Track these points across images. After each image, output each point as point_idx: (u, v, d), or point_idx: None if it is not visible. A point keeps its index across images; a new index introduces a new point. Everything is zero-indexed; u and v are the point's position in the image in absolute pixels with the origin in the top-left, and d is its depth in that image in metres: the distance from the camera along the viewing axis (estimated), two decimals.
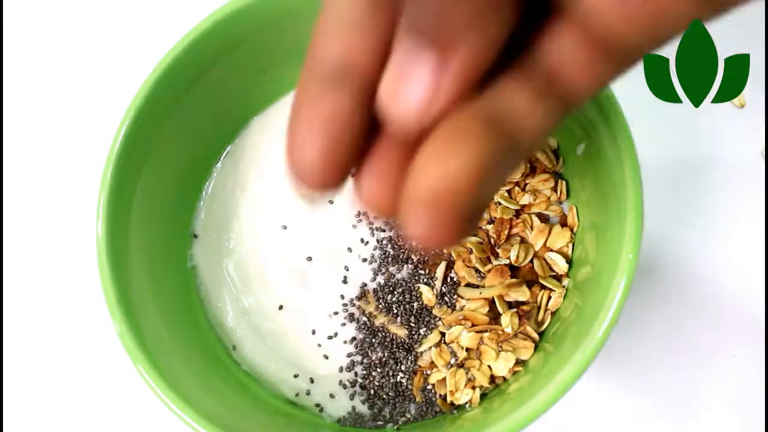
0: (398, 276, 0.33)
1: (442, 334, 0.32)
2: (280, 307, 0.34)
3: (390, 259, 0.33)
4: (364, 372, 0.33)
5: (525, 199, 0.32)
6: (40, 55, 0.44)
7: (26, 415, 0.37)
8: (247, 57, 0.32)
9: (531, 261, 0.32)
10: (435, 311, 0.32)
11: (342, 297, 0.34)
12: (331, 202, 0.35)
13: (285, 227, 0.35)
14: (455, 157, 0.11)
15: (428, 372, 0.32)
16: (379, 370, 0.33)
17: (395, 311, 0.33)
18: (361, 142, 0.13)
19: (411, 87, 0.11)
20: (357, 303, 0.33)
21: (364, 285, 0.34)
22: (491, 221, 0.33)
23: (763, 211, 0.38)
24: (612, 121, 0.27)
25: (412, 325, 0.32)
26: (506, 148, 0.11)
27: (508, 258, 0.32)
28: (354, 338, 0.33)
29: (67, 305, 0.39)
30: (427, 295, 0.32)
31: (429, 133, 0.11)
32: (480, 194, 0.11)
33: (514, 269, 0.32)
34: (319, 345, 0.34)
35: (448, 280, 0.33)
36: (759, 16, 0.40)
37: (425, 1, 0.10)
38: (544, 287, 0.32)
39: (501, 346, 0.30)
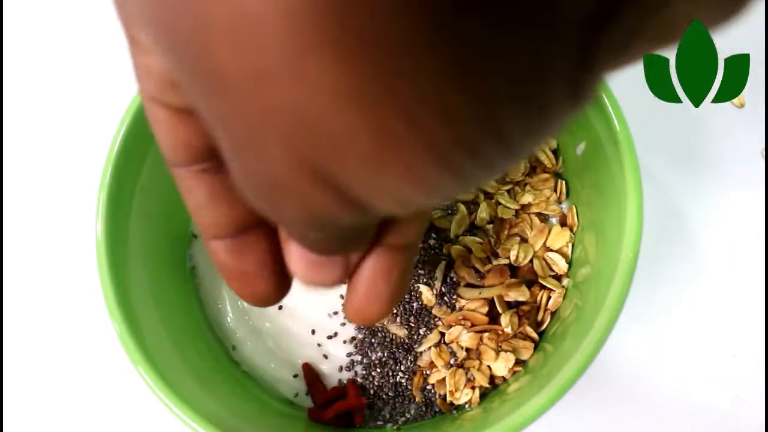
0: None
1: (442, 334, 0.32)
2: (280, 307, 0.34)
3: None
4: (364, 372, 0.33)
5: (525, 199, 0.32)
6: (40, 55, 0.44)
7: (26, 415, 0.37)
8: None
9: (531, 261, 0.32)
10: (435, 311, 0.32)
11: (342, 297, 0.34)
12: None
13: None
14: (379, 302, 0.18)
15: (428, 372, 0.32)
16: (378, 370, 0.33)
17: (395, 311, 0.33)
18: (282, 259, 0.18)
19: (327, 272, 0.17)
20: None
21: None
22: (491, 221, 0.33)
23: (763, 211, 0.38)
24: (612, 121, 0.27)
25: (412, 325, 0.32)
26: (409, 252, 0.18)
27: (508, 258, 0.32)
28: (354, 338, 0.33)
29: (67, 305, 0.39)
30: (427, 295, 0.32)
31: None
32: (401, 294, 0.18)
33: (513, 269, 0.32)
34: (319, 345, 0.34)
35: (448, 280, 0.33)
36: (759, 16, 0.40)
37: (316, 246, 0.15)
38: (543, 287, 0.32)
39: (501, 346, 0.30)
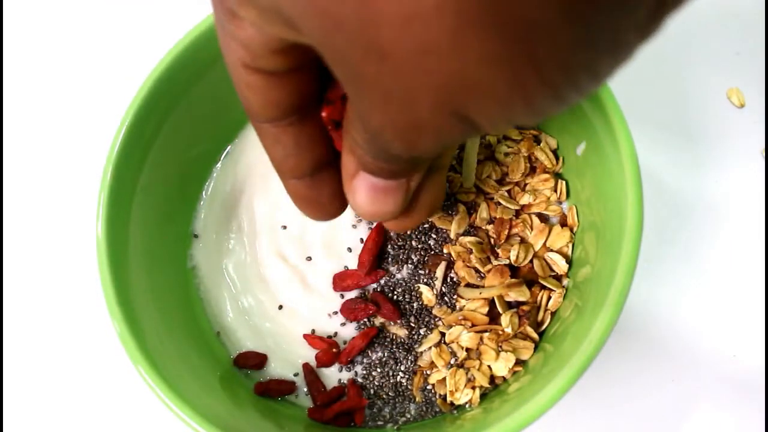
0: (398, 276, 0.33)
1: (442, 334, 0.32)
2: (280, 307, 0.34)
3: (390, 259, 0.33)
4: (364, 372, 0.33)
5: (525, 199, 0.32)
6: (40, 55, 0.44)
7: (26, 415, 0.37)
8: None
9: (531, 261, 0.32)
10: (435, 311, 0.32)
11: (342, 297, 0.34)
12: None
13: (285, 227, 0.35)
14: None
15: (428, 372, 0.32)
16: (379, 370, 0.33)
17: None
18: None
19: (391, 200, 0.20)
20: None
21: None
22: (491, 221, 0.33)
23: (763, 212, 0.38)
24: (612, 121, 0.27)
25: (412, 325, 0.32)
26: (445, 171, 0.23)
27: (508, 258, 0.32)
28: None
29: (67, 305, 0.39)
30: (427, 295, 0.32)
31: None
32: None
33: (514, 269, 0.32)
34: None
35: (448, 280, 0.33)
36: (759, 17, 0.40)
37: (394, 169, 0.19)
38: (544, 287, 0.32)
39: (501, 346, 0.30)
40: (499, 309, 0.31)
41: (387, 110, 0.14)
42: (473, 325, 0.31)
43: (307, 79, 0.19)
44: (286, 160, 0.21)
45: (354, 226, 0.34)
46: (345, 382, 0.33)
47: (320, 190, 0.22)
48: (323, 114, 0.21)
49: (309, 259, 0.34)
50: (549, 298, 0.31)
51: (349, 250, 0.34)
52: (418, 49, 0.12)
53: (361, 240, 0.34)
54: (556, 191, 0.33)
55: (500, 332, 0.30)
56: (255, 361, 0.33)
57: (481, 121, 0.14)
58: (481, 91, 0.13)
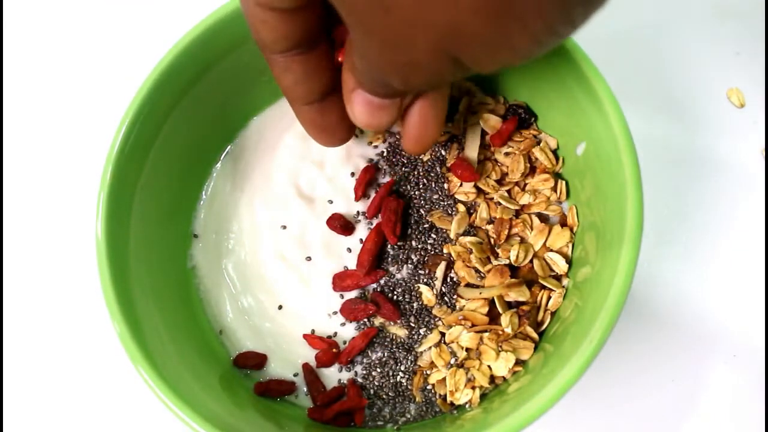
0: (398, 276, 0.33)
1: (442, 334, 0.32)
2: (280, 307, 0.34)
3: (390, 259, 0.33)
4: (364, 372, 0.33)
5: (525, 199, 0.32)
6: (40, 54, 0.44)
7: (26, 415, 0.37)
8: (246, 57, 0.32)
9: (531, 261, 0.32)
10: (435, 311, 0.32)
11: (342, 297, 0.34)
12: (330, 202, 0.35)
13: (285, 227, 0.35)
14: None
15: (428, 372, 0.32)
16: (379, 370, 0.33)
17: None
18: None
19: (385, 114, 0.23)
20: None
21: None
22: (491, 221, 0.33)
23: (763, 211, 0.38)
24: (612, 121, 0.27)
25: (412, 325, 0.32)
26: (446, 91, 0.25)
27: (508, 258, 0.32)
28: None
29: (67, 305, 0.39)
30: (427, 295, 0.32)
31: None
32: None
33: (514, 269, 0.32)
34: None
35: (448, 280, 0.33)
36: (759, 17, 0.40)
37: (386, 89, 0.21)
38: (544, 287, 0.32)
39: (501, 346, 0.30)
40: (499, 309, 0.31)
41: (388, 52, 0.17)
42: (473, 325, 0.31)
43: (314, 14, 0.22)
44: (296, 87, 0.24)
45: (353, 227, 0.34)
46: (345, 382, 0.33)
47: (329, 115, 0.26)
48: (339, 59, 0.24)
49: (309, 259, 0.34)
50: (549, 298, 0.31)
51: (349, 250, 0.34)
52: (417, 3, 0.15)
53: (361, 240, 0.34)
54: (556, 191, 0.33)
55: (500, 332, 0.30)
56: (255, 361, 0.33)
57: (469, 62, 0.16)
58: (471, 38, 0.15)
